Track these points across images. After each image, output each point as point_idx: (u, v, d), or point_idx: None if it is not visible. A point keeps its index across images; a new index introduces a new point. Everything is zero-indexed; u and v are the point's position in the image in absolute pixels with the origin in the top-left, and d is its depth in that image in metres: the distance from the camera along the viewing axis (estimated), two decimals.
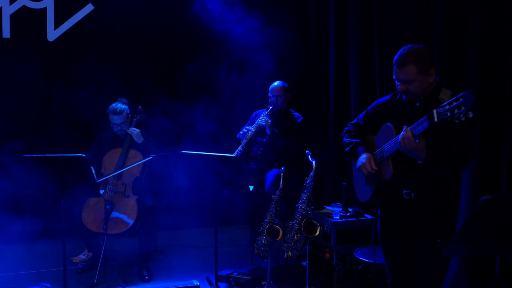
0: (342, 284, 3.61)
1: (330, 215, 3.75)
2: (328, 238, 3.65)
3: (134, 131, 4.00)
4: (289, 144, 4.10)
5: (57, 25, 4.91)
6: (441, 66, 3.15)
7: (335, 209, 3.77)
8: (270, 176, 4.08)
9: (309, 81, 5.42)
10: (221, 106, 4.90)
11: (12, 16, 4.76)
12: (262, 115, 4.20)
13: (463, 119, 1.92)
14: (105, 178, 3.84)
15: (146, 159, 3.84)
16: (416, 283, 2.41)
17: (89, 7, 4.98)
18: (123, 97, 4.20)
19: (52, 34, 4.90)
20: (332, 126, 4.94)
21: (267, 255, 3.57)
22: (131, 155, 4.00)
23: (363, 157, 2.53)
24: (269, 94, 4.25)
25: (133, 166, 3.87)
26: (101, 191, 3.80)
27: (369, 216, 3.76)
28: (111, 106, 4.05)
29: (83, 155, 3.02)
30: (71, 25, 4.94)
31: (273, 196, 3.67)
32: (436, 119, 2.03)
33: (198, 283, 3.46)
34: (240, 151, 4.12)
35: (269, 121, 4.11)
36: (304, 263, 3.95)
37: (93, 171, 3.84)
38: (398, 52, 2.35)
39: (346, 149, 2.72)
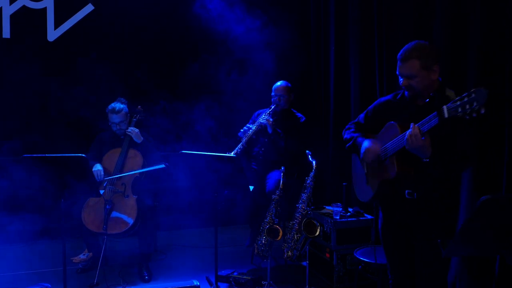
0: (342, 284, 3.61)
1: (330, 215, 3.75)
2: (328, 238, 3.65)
3: (133, 131, 4.00)
4: (290, 144, 4.09)
5: (57, 25, 4.91)
6: (441, 66, 3.14)
7: (335, 209, 3.77)
8: (272, 178, 4.07)
9: (309, 81, 5.42)
10: (221, 105, 4.90)
11: (12, 16, 4.76)
12: (264, 114, 4.20)
13: (474, 115, 1.89)
14: (110, 178, 3.85)
15: (158, 167, 3.82)
16: (417, 283, 2.41)
17: (89, 7, 4.98)
18: (123, 97, 4.20)
19: (52, 34, 4.90)
20: (332, 126, 4.94)
21: (267, 255, 3.57)
22: (131, 155, 4.01)
23: (367, 142, 2.50)
24: (272, 94, 4.25)
25: (138, 171, 3.88)
26: (101, 191, 3.80)
27: (369, 216, 3.76)
28: (110, 105, 4.06)
29: (83, 155, 3.02)
30: (71, 25, 4.94)
31: (273, 196, 3.67)
32: (446, 115, 1.99)
33: (198, 283, 3.46)
34: (240, 149, 4.11)
35: (271, 120, 4.11)
36: (304, 263, 3.95)
37: (100, 167, 3.88)
38: (403, 48, 2.35)
39: (347, 145, 2.69)
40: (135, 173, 3.92)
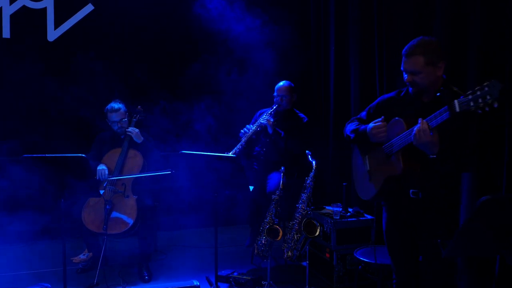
0: (342, 284, 3.61)
1: (330, 215, 3.75)
2: (328, 238, 3.65)
3: (133, 131, 4.00)
4: (291, 145, 4.09)
5: (57, 25, 4.91)
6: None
7: (335, 209, 3.77)
8: (273, 178, 4.07)
9: (309, 81, 5.42)
10: (221, 105, 4.90)
11: (12, 16, 4.76)
12: (265, 114, 4.20)
13: (487, 109, 1.86)
14: (112, 178, 3.85)
15: (163, 172, 3.82)
16: (424, 283, 2.39)
17: (89, 7, 4.98)
18: (123, 97, 4.23)
19: (52, 34, 4.90)
20: (332, 126, 4.94)
21: (267, 255, 3.57)
22: (131, 155, 4.01)
23: (372, 123, 2.47)
24: (274, 94, 4.25)
25: (147, 174, 3.89)
26: (101, 191, 3.80)
27: (369, 216, 3.76)
28: (108, 106, 4.08)
29: (83, 155, 3.02)
30: (71, 25, 4.94)
31: (273, 196, 3.67)
32: (458, 110, 1.96)
33: (198, 283, 3.46)
34: (238, 149, 4.11)
35: (271, 120, 4.11)
36: (304, 263, 3.95)
37: (104, 166, 3.88)
38: (408, 43, 2.33)
39: (352, 136, 2.64)
40: (140, 176, 3.92)
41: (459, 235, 1.75)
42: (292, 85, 4.26)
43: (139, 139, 4.01)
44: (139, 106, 4.23)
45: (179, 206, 4.95)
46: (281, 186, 3.63)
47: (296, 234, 3.45)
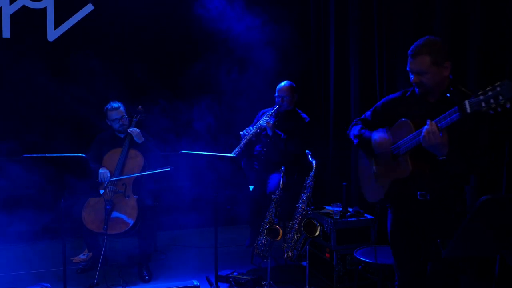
0: (342, 284, 3.61)
1: (330, 215, 3.75)
2: (328, 238, 3.65)
3: (134, 131, 4.00)
4: (290, 146, 4.08)
5: (57, 25, 4.91)
6: None
7: (335, 209, 3.77)
8: (274, 179, 4.07)
9: (309, 81, 5.42)
10: (221, 105, 4.91)
11: (12, 16, 4.76)
12: (266, 115, 4.19)
13: (499, 110, 1.83)
14: (114, 179, 3.85)
15: (163, 169, 3.82)
16: (430, 283, 2.37)
17: (89, 7, 4.98)
18: (123, 97, 4.24)
19: (52, 34, 4.90)
20: (332, 126, 4.94)
21: (267, 255, 3.57)
22: (132, 155, 4.01)
23: (375, 134, 2.45)
24: (275, 94, 4.24)
25: (146, 172, 3.88)
26: (101, 191, 3.80)
27: (369, 216, 3.76)
28: (107, 105, 4.09)
29: (83, 155, 3.02)
30: (71, 25, 4.95)
31: (273, 196, 3.67)
32: (469, 110, 1.92)
33: (198, 283, 3.46)
34: (237, 152, 4.11)
35: (271, 122, 4.09)
36: (304, 263, 3.95)
37: (105, 169, 3.88)
38: (414, 43, 2.31)
39: (356, 141, 2.62)
40: (139, 175, 3.92)
41: (459, 235, 1.75)
42: (294, 85, 4.24)
43: (139, 139, 4.01)
44: (139, 106, 4.23)
45: (179, 206, 4.95)
46: (281, 186, 3.64)
47: (296, 234, 3.45)
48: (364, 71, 4.34)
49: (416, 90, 2.37)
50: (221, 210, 4.94)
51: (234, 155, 3.92)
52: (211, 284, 3.71)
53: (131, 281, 3.83)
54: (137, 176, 3.98)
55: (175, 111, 4.74)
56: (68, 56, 4.85)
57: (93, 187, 3.13)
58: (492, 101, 1.84)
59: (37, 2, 4.83)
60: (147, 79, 4.94)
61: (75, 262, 4.14)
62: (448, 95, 2.18)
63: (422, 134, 2.13)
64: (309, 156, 3.58)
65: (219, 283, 3.42)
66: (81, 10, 4.96)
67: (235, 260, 4.30)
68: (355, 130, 2.67)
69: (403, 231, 2.49)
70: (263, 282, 3.55)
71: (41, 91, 4.74)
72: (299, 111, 4.29)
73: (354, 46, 4.47)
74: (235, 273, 3.78)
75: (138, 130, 4.03)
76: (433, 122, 2.10)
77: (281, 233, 3.47)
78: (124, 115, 4.08)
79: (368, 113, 2.69)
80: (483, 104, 1.87)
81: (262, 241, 3.63)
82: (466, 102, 1.93)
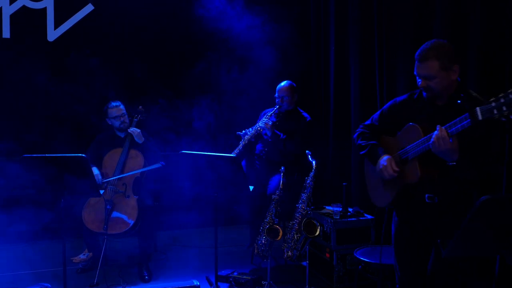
0: (342, 284, 3.61)
1: (330, 215, 3.75)
2: (328, 238, 3.65)
3: (135, 131, 4.00)
4: (289, 145, 4.08)
5: (57, 25, 4.91)
6: None
7: (335, 209, 3.77)
8: (274, 180, 4.07)
9: (309, 81, 5.42)
10: (221, 105, 4.91)
11: (12, 16, 4.76)
12: (265, 116, 4.19)
13: (511, 117, 1.79)
14: (110, 179, 3.85)
15: (155, 166, 3.82)
16: (437, 285, 2.36)
17: (89, 7, 4.98)
18: (123, 97, 4.24)
19: (52, 34, 4.90)
20: (332, 126, 4.94)
21: (267, 255, 3.57)
22: (132, 155, 4.01)
23: (383, 159, 2.40)
24: (275, 95, 4.24)
25: (138, 171, 3.87)
26: (101, 191, 3.80)
27: (369, 216, 3.76)
28: (107, 104, 4.10)
29: (83, 155, 3.02)
30: (71, 25, 4.95)
31: (273, 196, 3.67)
32: (480, 118, 1.88)
33: (198, 283, 3.46)
34: (237, 153, 4.11)
35: (269, 123, 4.09)
36: (304, 263, 3.95)
37: (97, 171, 3.88)
38: (421, 47, 2.27)
39: (361, 152, 2.60)
40: (134, 173, 3.92)
41: (459, 235, 1.75)
42: (294, 84, 4.23)
43: (140, 139, 4.01)
44: (140, 106, 4.23)
45: (179, 206, 4.95)
46: (281, 186, 3.64)
47: (296, 234, 3.46)
48: (364, 71, 4.34)
49: (424, 94, 2.34)
50: (221, 210, 4.94)
51: (234, 155, 3.92)
52: (211, 284, 3.71)
53: (131, 281, 3.83)
54: (137, 176, 3.98)
55: (175, 111, 4.74)
56: (68, 56, 4.85)
57: (93, 187, 3.13)
58: (505, 108, 1.80)
59: (37, 2, 4.83)
60: (147, 79, 4.93)
61: (75, 262, 4.14)
62: (459, 101, 2.09)
63: (432, 139, 2.09)
64: (309, 156, 3.58)
65: (219, 283, 3.42)
66: (81, 10, 4.96)
67: (235, 260, 4.30)
68: (360, 141, 2.64)
69: (408, 233, 2.47)
70: (263, 282, 3.55)
71: (41, 91, 4.74)
72: (301, 111, 4.28)
73: (354, 46, 4.47)
74: (235, 273, 3.78)
75: (139, 130, 4.03)
76: (443, 127, 2.07)
77: (281, 233, 3.47)
78: (124, 113, 4.09)
79: (375, 116, 2.66)
80: (495, 112, 1.83)
81: (262, 241, 3.63)
82: (478, 109, 1.89)
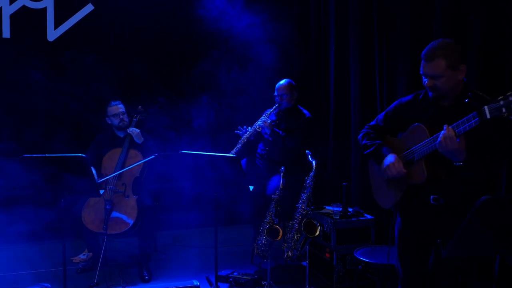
0: (342, 284, 3.61)
1: (330, 215, 3.75)
2: (328, 238, 3.65)
3: (134, 131, 4.00)
4: (289, 142, 4.08)
5: (57, 25, 4.91)
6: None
7: (335, 209, 3.77)
8: (274, 181, 4.07)
9: (309, 81, 5.42)
10: (221, 104, 4.91)
11: (12, 16, 4.76)
12: (264, 115, 4.20)
13: None
14: (106, 178, 3.85)
15: (148, 158, 3.82)
16: (437, 285, 2.35)
17: (89, 7, 4.98)
18: (123, 97, 4.24)
19: (52, 34, 4.90)
20: (332, 126, 4.94)
21: (267, 255, 3.57)
22: (132, 155, 4.01)
23: (390, 157, 2.38)
24: (274, 93, 4.25)
25: (133, 166, 3.86)
26: (101, 191, 3.80)
27: (369, 216, 3.76)
28: (108, 103, 4.10)
29: (83, 155, 3.02)
30: (71, 25, 4.94)
31: (273, 196, 3.67)
32: (488, 116, 1.87)
33: (198, 283, 3.46)
34: (235, 152, 4.12)
35: (268, 121, 4.10)
36: (304, 263, 3.95)
37: (94, 171, 3.88)
38: (427, 46, 2.26)
39: (366, 152, 2.58)
40: (127, 170, 3.88)
41: (459, 235, 1.75)
42: (293, 82, 4.24)
43: (139, 139, 4.01)
44: (139, 106, 4.23)
45: (179, 206, 4.95)
46: (281, 186, 3.64)
47: (296, 234, 3.46)
48: (364, 71, 4.34)
49: (429, 94, 2.32)
50: (222, 210, 4.95)
51: (234, 155, 3.92)
52: (211, 284, 3.71)
53: (131, 281, 3.83)
54: (137, 176, 3.98)
55: (175, 111, 4.74)
56: (68, 56, 4.85)
57: (94, 187, 3.13)
58: None
59: (37, 2, 4.83)
60: (147, 79, 4.94)
61: (75, 262, 4.14)
62: (467, 100, 2.08)
63: (439, 139, 2.08)
64: (309, 156, 3.58)
65: (219, 283, 3.42)
66: (81, 10, 4.96)
67: (235, 260, 4.30)
68: (365, 141, 2.62)
69: (411, 234, 2.46)
70: (263, 282, 3.55)
71: (41, 91, 4.74)
72: (301, 108, 4.28)
73: (354, 46, 4.47)
74: (235, 273, 3.78)
75: (138, 130, 4.03)
76: (451, 127, 2.06)
77: (281, 233, 3.47)
78: (123, 112, 4.09)
79: (380, 117, 2.65)
80: (504, 110, 1.82)
81: (262, 241, 3.63)
82: (486, 107, 1.89)
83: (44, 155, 3.00)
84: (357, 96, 4.41)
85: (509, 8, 2.73)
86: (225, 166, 3.17)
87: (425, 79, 2.28)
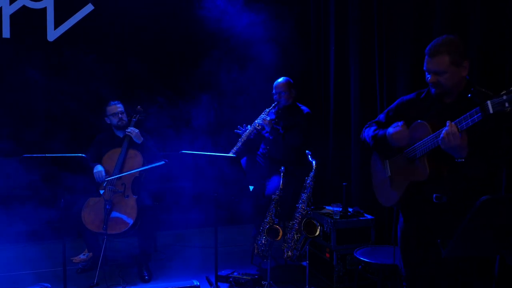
0: (342, 284, 3.61)
1: (330, 215, 3.75)
2: (328, 238, 3.65)
3: (133, 131, 4.00)
4: (288, 137, 4.08)
5: (57, 25, 4.91)
6: None
7: (335, 209, 3.77)
8: (273, 181, 4.07)
9: (309, 81, 5.42)
10: (221, 104, 4.91)
11: (12, 16, 4.76)
12: (263, 113, 4.20)
13: None
14: (111, 178, 3.85)
15: (156, 164, 3.82)
16: (445, 284, 2.35)
17: (89, 7, 4.98)
18: (123, 97, 4.25)
19: (52, 34, 4.90)
20: (332, 126, 4.94)
21: (267, 255, 3.57)
22: (131, 155, 4.01)
23: (391, 128, 2.38)
24: (273, 92, 4.25)
25: (142, 169, 3.87)
26: (101, 191, 3.80)
27: (369, 216, 3.76)
28: (107, 103, 4.12)
29: (83, 155, 3.02)
30: (71, 25, 4.94)
31: (273, 196, 3.67)
32: (491, 111, 1.87)
33: (198, 283, 3.46)
34: (235, 151, 4.12)
35: (268, 118, 4.11)
36: (304, 263, 3.95)
37: (101, 168, 3.89)
38: (431, 42, 2.26)
39: (371, 143, 2.55)
40: (135, 172, 3.91)
41: (459, 235, 1.75)
42: (290, 80, 4.25)
43: (139, 139, 4.01)
44: (138, 106, 4.23)
45: (179, 206, 4.96)
46: (281, 186, 3.64)
47: (296, 234, 3.46)
48: (364, 71, 4.34)
49: (432, 90, 2.32)
50: (221, 210, 4.94)
51: (234, 155, 3.92)
52: (211, 284, 3.71)
53: (131, 281, 3.83)
54: (136, 176, 3.98)
55: (175, 111, 4.75)
56: (68, 56, 4.86)
57: (93, 187, 3.13)
58: None
59: (37, 2, 4.83)
60: (147, 79, 4.94)
61: (75, 262, 4.14)
62: (469, 95, 2.08)
63: (441, 135, 2.08)
64: (309, 156, 3.58)
65: (219, 283, 3.42)
66: (81, 10, 4.96)
67: (235, 260, 4.30)
68: (369, 131, 2.62)
69: (414, 233, 2.45)
70: (263, 282, 3.55)
71: (41, 91, 4.74)
72: (300, 105, 4.28)
73: (354, 46, 4.47)
74: (235, 273, 3.78)
75: (137, 130, 4.03)
76: (453, 123, 2.06)
77: (281, 233, 3.47)
78: (122, 111, 4.10)
79: (382, 115, 2.65)
80: (507, 105, 1.83)
81: (262, 241, 3.63)
82: (489, 102, 1.89)
83: (44, 155, 3.00)
84: (357, 96, 4.41)
85: (509, 8, 2.73)
86: (225, 166, 3.17)
87: (428, 75, 2.28)
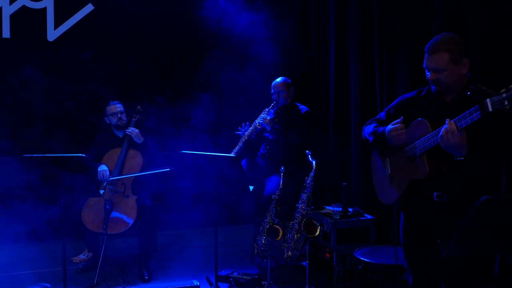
0: (342, 284, 3.61)
1: (330, 215, 3.75)
2: (328, 238, 3.65)
3: (133, 131, 4.00)
4: (290, 136, 4.08)
5: (57, 25, 4.91)
6: None
7: (335, 209, 3.77)
8: (272, 181, 4.07)
9: (309, 81, 5.42)
10: (221, 104, 4.91)
11: (12, 16, 4.76)
12: (263, 112, 4.21)
13: None
14: (113, 178, 3.85)
15: (162, 169, 3.83)
16: (447, 283, 2.35)
17: (89, 7, 4.98)
18: (123, 97, 4.26)
19: (52, 34, 4.90)
20: (332, 126, 4.94)
21: (267, 255, 3.57)
22: (131, 155, 4.01)
23: (390, 125, 2.39)
24: (271, 91, 4.26)
25: (147, 172, 3.88)
26: (101, 191, 3.80)
27: (369, 216, 3.76)
28: (107, 103, 4.12)
29: (83, 155, 3.02)
30: (71, 25, 4.94)
31: (273, 196, 3.67)
32: (490, 109, 1.87)
33: (198, 283, 3.46)
34: (236, 151, 4.12)
35: (268, 118, 4.12)
36: (304, 263, 3.95)
37: (106, 167, 3.90)
38: (431, 40, 2.26)
39: (370, 139, 2.56)
40: (139, 175, 3.92)
41: (459, 235, 1.75)
42: (288, 80, 4.26)
43: (139, 139, 4.01)
44: (138, 106, 4.24)
45: (179, 206, 4.95)
46: (281, 186, 3.64)
47: (296, 234, 3.46)
48: (364, 71, 4.34)
49: (432, 88, 2.32)
50: (222, 210, 4.94)
51: (234, 155, 3.92)
52: (211, 284, 3.71)
53: (131, 281, 3.83)
54: (136, 176, 3.98)
55: (175, 111, 4.74)
56: (68, 56, 4.86)
57: (93, 187, 3.14)
58: None
59: (37, 2, 4.83)
60: (147, 79, 4.94)
61: (75, 262, 4.14)
62: (469, 93, 2.07)
63: (441, 133, 2.08)
64: (309, 156, 3.58)
65: (219, 283, 3.42)
66: (81, 10, 4.96)
67: (235, 260, 4.30)
68: (369, 129, 2.62)
69: (416, 232, 2.45)
70: (263, 282, 3.55)
71: (41, 91, 4.73)
72: (298, 104, 4.29)
73: (354, 46, 4.47)
74: (235, 273, 3.78)
75: (137, 130, 4.03)
76: (453, 121, 2.06)
77: (281, 233, 3.47)
78: (122, 111, 4.11)
79: (382, 113, 2.65)
80: (506, 103, 1.82)
81: (262, 241, 3.63)
82: (488, 100, 1.88)
83: (44, 155, 3.01)
84: (357, 96, 4.41)
85: (509, 8, 2.73)
86: (225, 166, 3.17)
87: (428, 73, 2.28)
